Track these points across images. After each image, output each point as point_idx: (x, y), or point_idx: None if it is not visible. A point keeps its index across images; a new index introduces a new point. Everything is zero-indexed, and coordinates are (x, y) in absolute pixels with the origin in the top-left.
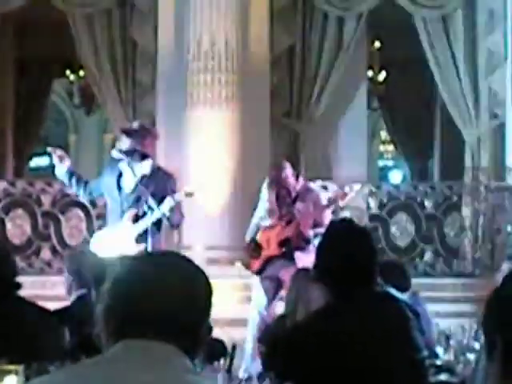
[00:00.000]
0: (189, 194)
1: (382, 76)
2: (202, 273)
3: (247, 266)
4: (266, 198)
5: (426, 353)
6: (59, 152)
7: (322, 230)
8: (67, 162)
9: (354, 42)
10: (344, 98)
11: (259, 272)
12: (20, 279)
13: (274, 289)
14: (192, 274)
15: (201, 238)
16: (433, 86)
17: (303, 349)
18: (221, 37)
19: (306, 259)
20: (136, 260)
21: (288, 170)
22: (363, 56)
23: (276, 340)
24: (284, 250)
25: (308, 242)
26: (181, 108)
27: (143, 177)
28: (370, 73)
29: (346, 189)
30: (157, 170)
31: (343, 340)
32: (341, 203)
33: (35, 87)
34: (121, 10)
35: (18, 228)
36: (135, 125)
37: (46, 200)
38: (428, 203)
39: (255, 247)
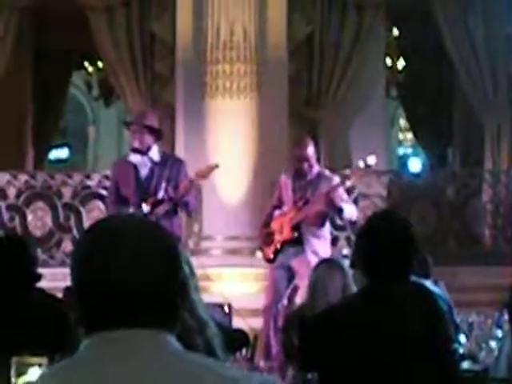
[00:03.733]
0: (201, 176)
1: (401, 64)
2: (164, 234)
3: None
4: (282, 185)
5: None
6: None
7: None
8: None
9: (372, 30)
10: (363, 86)
11: (272, 260)
12: (41, 271)
13: (286, 278)
14: (158, 238)
15: (221, 228)
16: (452, 73)
17: (331, 334)
18: (239, 26)
19: (316, 244)
20: (92, 235)
21: (311, 149)
22: (382, 44)
23: (302, 328)
24: (296, 234)
25: (325, 218)
26: (200, 98)
27: (155, 164)
28: (389, 61)
29: (360, 163)
30: (165, 157)
31: (372, 327)
32: (354, 180)
33: (54, 79)
34: (139, 1)
35: (38, 220)
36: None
37: (67, 192)
38: (449, 190)
39: (268, 234)
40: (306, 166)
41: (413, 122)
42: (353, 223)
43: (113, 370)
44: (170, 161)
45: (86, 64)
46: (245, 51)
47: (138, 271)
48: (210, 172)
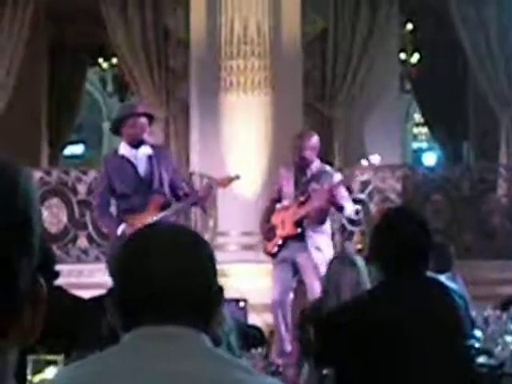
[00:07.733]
0: (222, 185)
1: (415, 58)
2: (203, 241)
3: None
4: (282, 178)
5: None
6: None
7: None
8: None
9: (386, 25)
10: (377, 80)
11: (273, 254)
12: (57, 268)
13: (292, 272)
14: (195, 244)
15: (236, 223)
16: (466, 67)
17: (344, 331)
18: (253, 21)
19: (318, 239)
20: (136, 237)
21: (316, 140)
22: (396, 38)
23: (316, 324)
24: (299, 230)
25: (326, 214)
26: (214, 94)
27: (149, 158)
28: (403, 55)
29: (364, 162)
30: (153, 146)
31: (386, 323)
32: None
33: (69, 76)
34: None
35: (54, 217)
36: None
37: (82, 188)
38: (464, 185)
39: (269, 229)
40: (307, 153)
41: (427, 117)
42: (352, 221)
43: (147, 364)
44: (158, 150)
45: (101, 60)
46: (259, 46)
47: (175, 274)
48: (230, 182)
